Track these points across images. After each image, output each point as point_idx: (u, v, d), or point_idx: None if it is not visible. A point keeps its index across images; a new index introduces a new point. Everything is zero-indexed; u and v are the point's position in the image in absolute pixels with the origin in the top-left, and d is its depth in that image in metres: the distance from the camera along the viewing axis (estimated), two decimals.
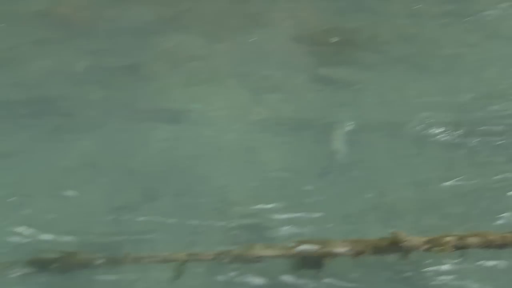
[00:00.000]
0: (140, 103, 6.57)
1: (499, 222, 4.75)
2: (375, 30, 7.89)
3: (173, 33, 7.93)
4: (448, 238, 4.36)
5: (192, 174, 5.52)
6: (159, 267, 4.41)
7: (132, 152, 5.82)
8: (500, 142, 5.69)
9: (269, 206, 5.09)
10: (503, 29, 7.76)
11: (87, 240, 4.74)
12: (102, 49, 7.59)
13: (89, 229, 4.86)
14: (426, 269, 4.41)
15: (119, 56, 7.42)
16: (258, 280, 4.41)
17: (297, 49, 7.53)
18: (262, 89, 6.65)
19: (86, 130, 6.11)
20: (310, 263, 4.41)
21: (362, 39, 7.72)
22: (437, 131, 5.81)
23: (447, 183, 5.21)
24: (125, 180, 5.48)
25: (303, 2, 8.65)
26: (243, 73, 7.07)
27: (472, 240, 4.35)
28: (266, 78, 6.89)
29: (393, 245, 4.38)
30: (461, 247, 4.35)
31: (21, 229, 4.79)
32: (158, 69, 7.20)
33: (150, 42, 7.72)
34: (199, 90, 6.72)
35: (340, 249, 4.39)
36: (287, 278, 4.41)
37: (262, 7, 8.54)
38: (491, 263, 4.41)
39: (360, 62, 7.20)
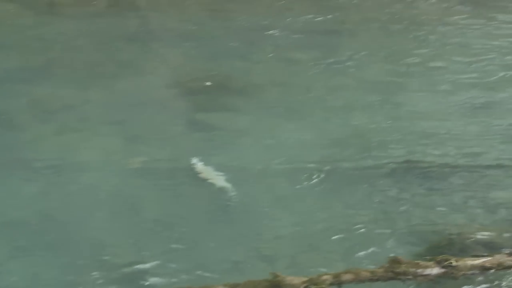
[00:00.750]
0: (8, 154, 6.37)
1: (368, 258, 5.00)
2: (248, 76, 8.15)
3: (42, 81, 7.81)
4: (324, 277, 4.54)
5: (66, 226, 5.41)
6: None
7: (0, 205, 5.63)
8: (366, 184, 5.98)
9: (148, 257, 5.07)
10: (364, 75, 8.21)
11: None
12: None
13: None
14: None
15: None
16: None
17: (172, 96, 7.62)
18: (137, 137, 6.67)
19: None
20: None
21: (236, 85, 7.95)
22: (311, 172, 6.04)
23: (321, 224, 5.44)
24: None
25: (176, 49, 8.80)
26: (117, 121, 7.05)
27: (347, 277, 4.56)
28: (141, 125, 6.93)
29: (274, 286, 4.50)
30: (337, 284, 4.55)
31: None
32: (27, 119, 7.04)
33: (17, 92, 7.54)
34: (71, 139, 6.64)
35: None
36: None
37: (135, 55, 8.62)
38: None
39: (235, 107, 7.40)
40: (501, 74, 8.06)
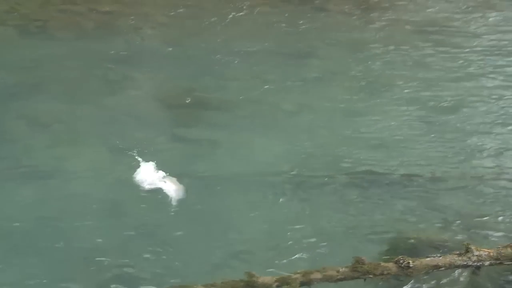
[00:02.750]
0: (4, 163, 6.33)
1: (334, 259, 5.00)
2: (224, 93, 8.17)
3: (36, 98, 7.75)
4: (295, 276, 4.57)
5: (58, 229, 5.40)
6: None
7: None
8: (330, 192, 6.02)
9: (132, 259, 5.09)
10: (329, 94, 8.23)
11: None
12: None
13: None
14: None
15: None
16: None
17: (155, 111, 7.63)
18: (123, 148, 6.61)
19: None
20: None
21: (213, 101, 7.95)
22: (282, 181, 6.08)
23: (291, 227, 5.46)
24: None
25: (158, 69, 8.80)
26: (104, 134, 7.04)
27: (315, 276, 4.60)
28: (127, 138, 6.90)
29: (249, 286, 4.52)
30: (306, 283, 4.57)
31: None
32: (22, 131, 7.01)
33: (12, 107, 7.48)
34: (63, 150, 6.62)
35: None
36: None
37: (120, 74, 8.60)
38: None
39: (212, 122, 7.41)
40: (452, 94, 8.14)
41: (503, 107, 7.78)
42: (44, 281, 4.83)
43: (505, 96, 8.08)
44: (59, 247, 5.20)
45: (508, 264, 4.84)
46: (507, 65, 9.05)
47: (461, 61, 9.22)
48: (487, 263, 4.78)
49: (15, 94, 7.77)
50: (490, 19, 11.05)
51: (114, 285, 4.79)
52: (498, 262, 4.81)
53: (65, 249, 5.17)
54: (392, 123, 7.39)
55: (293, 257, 5.12)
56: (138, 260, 5.05)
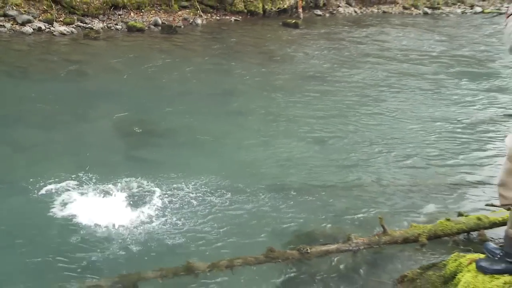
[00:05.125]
0: None
1: (252, 248, 4.94)
2: (166, 123, 8.06)
3: (17, 126, 7.43)
4: (222, 262, 4.55)
5: (29, 231, 5.09)
6: None
7: None
8: (250, 199, 5.92)
9: (92, 252, 4.86)
10: (247, 124, 8.25)
11: None
12: None
13: None
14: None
15: None
16: None
17: (112, 138, 7.43)
18: (88, 166, 6.33)
19: None
20: (128, 285, 4.35)
21: (158, 129, 7.84)
22: (215, 192, 5.99)
23: (220, 225, 5.40)
24: None
25: (115, 104, 8.64)
26: (73, 154, 6.77)
27: (238, 261, 4.60)
28: (90, 158, 6.67)
29: (188, 270, 4.48)
30: (230, 266, 4.56)
31: None
32: (3, 153, 6.64)
33: None
34: (38, 168, 6.29)
35: (152, 274, 4.42)
36: None
37: (86, 108, 8.39)
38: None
39: (157, 145, 7.28)
40: (335, 125, 8.36)
41: (374, 134, 8.05)
42: (17, 274, 4.57)
43: (383, 124, 8.42)
44: (30, 244, 4.94)
45: (376, 247, 5.01)
46: (375, 102, 9.51)
47: (339, 100, 9.59)
48: (362, 247, 4.94)
49: (0, 123, 7.41)
50: (360, 71, 11.58)
51: (72, 276, 4.56)
52: (369, 246, 4.98)
53: (36, 246, 4.92)
54: (294, 146, 7.49)
55: (220, 248, 5.08)
56: (94, 255, 4.83)
